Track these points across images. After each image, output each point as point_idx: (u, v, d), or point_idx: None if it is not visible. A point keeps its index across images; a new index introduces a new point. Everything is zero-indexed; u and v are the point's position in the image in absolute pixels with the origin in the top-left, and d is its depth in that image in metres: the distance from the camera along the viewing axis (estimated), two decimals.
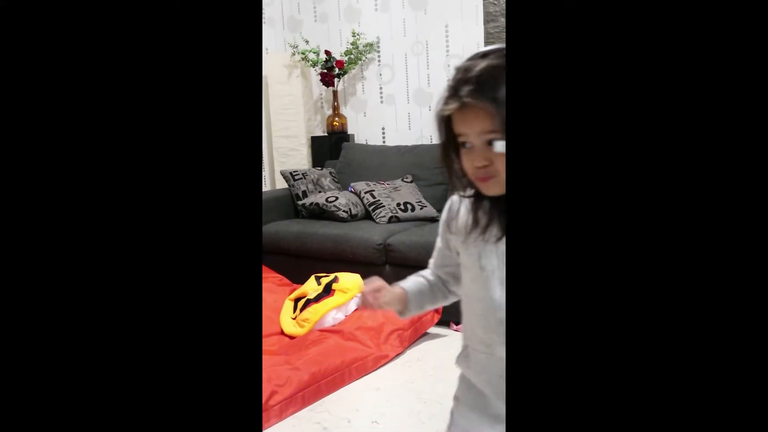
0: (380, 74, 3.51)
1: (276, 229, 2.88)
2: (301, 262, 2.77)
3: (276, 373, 1.86)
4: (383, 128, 3.55)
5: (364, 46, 3.43)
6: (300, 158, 3.53)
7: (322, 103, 3.72)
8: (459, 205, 0.87)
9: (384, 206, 2.84)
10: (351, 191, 3.01)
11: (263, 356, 2.06)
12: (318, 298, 2.36)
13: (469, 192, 0.82)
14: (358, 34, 3.42)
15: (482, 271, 0.83)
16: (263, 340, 2.23)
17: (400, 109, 3.48)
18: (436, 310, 2.36)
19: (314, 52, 3.43)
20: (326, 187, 3.13)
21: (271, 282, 2.71)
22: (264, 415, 1.69)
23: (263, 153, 3.76)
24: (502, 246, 0.80)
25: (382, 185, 2.97)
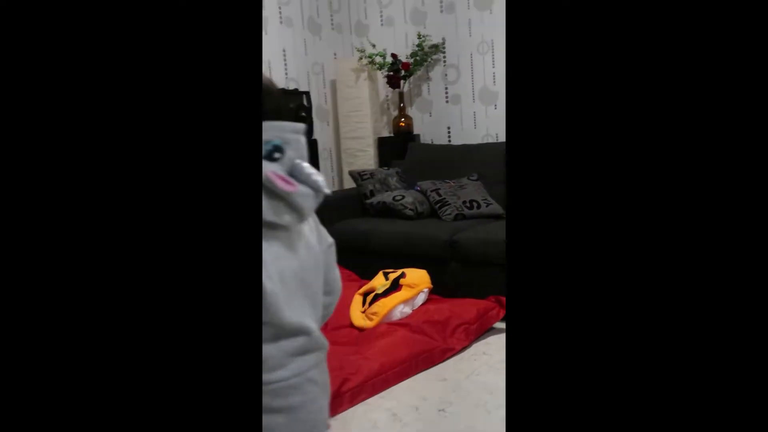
0: (446, 74, 3.57)
1: (344, 227, 2.99)
2: (368, 259, 2.87)
3: (347, 362, 1.96)
4: (449, 127, 3.60)
5: (429, 48, 3.50)
6: (367, 159, 3.63)
7: (388, 104, 3.81)
8: None
9: (450, 204, 2.90)
10: (417, 190, 3.08)
11: (335, 347, 2.16)
12: (386, 293, 2.44)
13: None
14: (423, 36, 3.49)
15: None
16: (335, 332, 2.34)
17: (465, 108, 3.53)
18: (501, 306, 2.39)
19: (381, 56, 3.53)
20: (393, 186, 3.22)
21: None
22: (337, 400, 1.79)
23: (332, 154, 3.90)
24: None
25: (448, 184, 3.03)
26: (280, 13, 3.55)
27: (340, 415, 1.77)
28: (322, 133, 3.77)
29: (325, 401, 0.90)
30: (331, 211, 3.09)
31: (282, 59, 3.57)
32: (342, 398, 1.81)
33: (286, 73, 3.60)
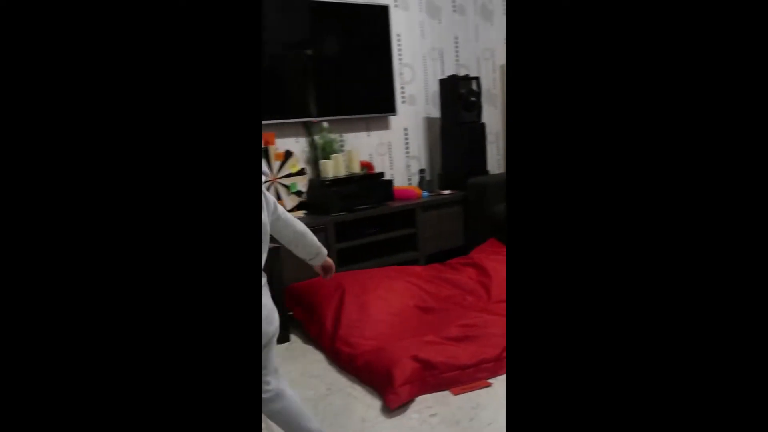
0: None
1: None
2: None
3: None
4: None
5: None
6: None
7: None
8: None
9: None
10: None
11: (498, 317, 2.31)
12: None
13: None
14: None
15: None
16: (498, 304, 2.49)
17: None
18: None
19: None
20: None
21: (503, 255, 2.95)
22: (499, 363, 1.95)
23: (500, 138, 4.00)
24: None
25: None
26: (454, 2, 3.71)
27: (502, 376, 1.92)
28: (490, 117, 3.89)
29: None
30: (496, 193, 3.21)
31: (454, 46, 3.74)
32: (503, 362, 1.96)
33: (457, 59, 3.76)
